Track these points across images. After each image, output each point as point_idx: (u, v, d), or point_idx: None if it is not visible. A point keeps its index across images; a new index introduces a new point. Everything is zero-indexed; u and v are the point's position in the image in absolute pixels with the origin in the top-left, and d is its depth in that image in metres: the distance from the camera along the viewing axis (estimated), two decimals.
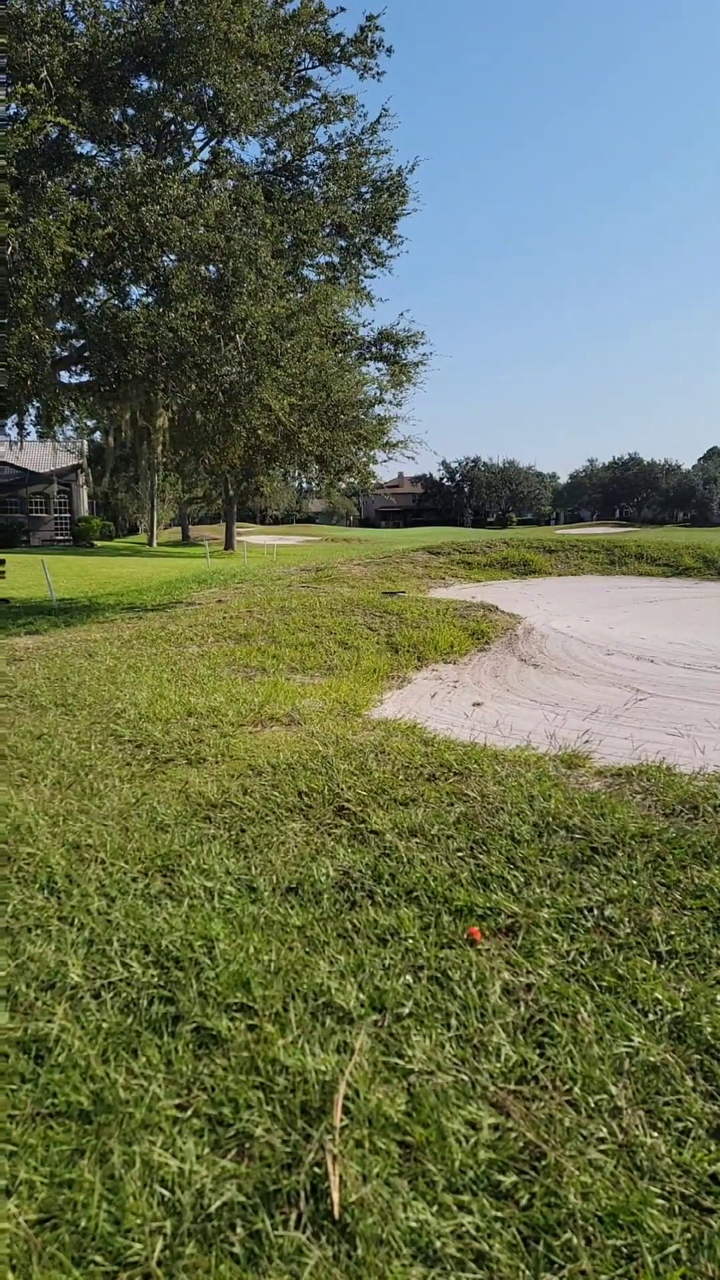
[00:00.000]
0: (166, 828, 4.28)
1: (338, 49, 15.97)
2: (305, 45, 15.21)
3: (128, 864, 3.87)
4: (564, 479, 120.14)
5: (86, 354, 14.65)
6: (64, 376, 15.52)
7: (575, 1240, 1.93)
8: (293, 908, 3.42)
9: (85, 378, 15.88)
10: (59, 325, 14.00)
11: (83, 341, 14.46)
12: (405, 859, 3.78)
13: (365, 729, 6.07)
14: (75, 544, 48.03)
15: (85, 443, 45.48)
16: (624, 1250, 1.91)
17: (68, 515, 52.15)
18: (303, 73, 16.15)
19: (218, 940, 3.15)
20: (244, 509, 66.61)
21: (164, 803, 4.63)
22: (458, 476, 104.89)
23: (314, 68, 16.25)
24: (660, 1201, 2.03)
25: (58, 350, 14.47)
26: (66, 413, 14.90)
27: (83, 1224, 1.99)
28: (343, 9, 15.68)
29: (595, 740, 5.65)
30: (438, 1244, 1.93)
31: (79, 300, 13.00)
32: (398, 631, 10.90)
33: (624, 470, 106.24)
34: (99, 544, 48.49)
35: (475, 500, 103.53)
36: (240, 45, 12.12)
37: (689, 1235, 1.94)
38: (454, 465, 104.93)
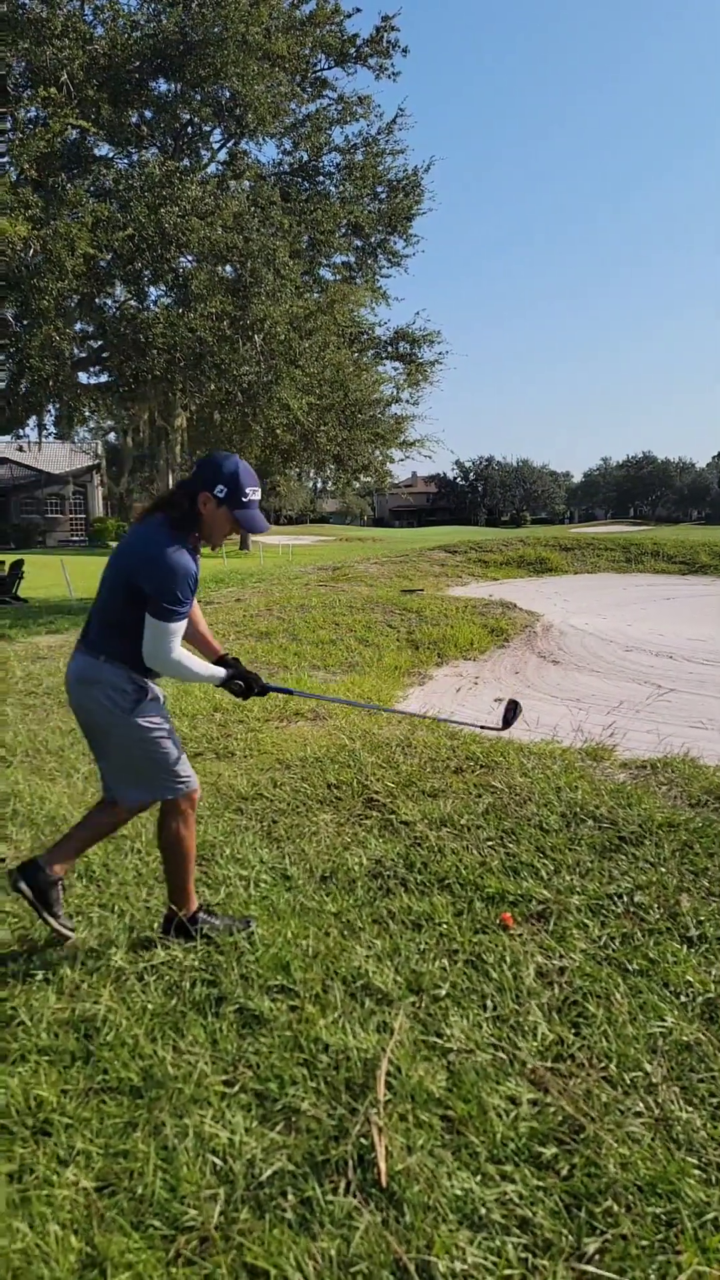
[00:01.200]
0: (200, 819, 4.36)
1: (353, 50, 16.06)
2: (321, 46, 15.30)
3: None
4: (578, 478, 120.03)
5: (105, 355, 14.80)
6: (82, 377, 15.69)
7: (616, 1207, 1.99)
8: (328, 895, 3.50)
9: (104, 378, 16.05)
10: (77, 326, 14.15)
11: (101, 342, 14.62)
12: (436, 848, 3.85)
13: (390, 724, 6.15)
14: (91, 544, 48.32)
15: (100, 444, 45.74)
16: (663, 1217, 1.97)
17: (83, 516, 52.44)
18: (319, 74, 16.25)
19: (256, 926, 3.23)
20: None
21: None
22: (471, 476, 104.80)
23: (330, 69, 16.35)
24: (697, 1172, 2.09)
25: (76, 351, 14.63)
26: (86, 413, 15.02)
27: (139, 1191, 2.07)
28: (358, 9, 15.75)
29: (619, 734, 5.70)
30: (483, 1210, 1.99)
31: (98, 301, 13.12)
32: (418, 629, 10.97)
33: (638, 469, 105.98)
34: (114, 544, 48.77)
35: (489, 500, 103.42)
36: (258, 47, 12.22)
37: None
38: (468, 465, 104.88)
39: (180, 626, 2.86)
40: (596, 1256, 1.88)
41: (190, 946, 3.12)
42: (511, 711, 3.63)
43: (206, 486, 2.85)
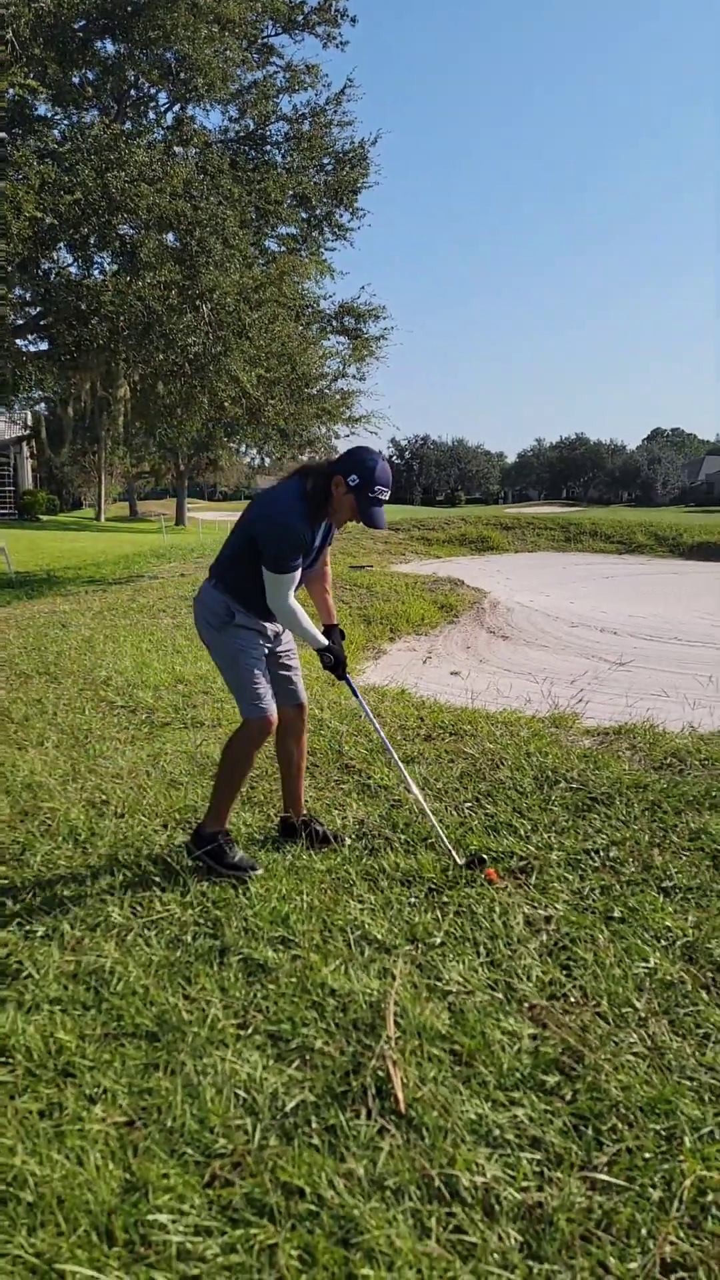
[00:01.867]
0: (179, 784, 4.43)
1: (301, 17, 15.87)
2: (270, 11, 15.07)
3: (147, 818, 4.01)
4: (512, 458, 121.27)
5: (43, 321, 14.46)
6: (20, 344, 15.29)
7: (620, 1125, 2.15)
8: (316, 854, 3.60)
9: (43, 346, 15.67)
10: (16, 291, 13.79)
11: (39, 309, 14.27)
12: (416, 810, 3.98)
13: None
14: (20, 518, 47.15)
15: (29, 414, 44.53)
16: (664, 1133, 2.13)
17: (11, 489, 51.07)
18: (266, 40, 16.02)
19: (251, 882, 3.32)
20: (192, 485, 65.97)
21: (171, 763, 4.77)
22: (407, 455, 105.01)
23: (277, 35, 16.13)
24: (691, 1094, 2.26)
25: (14, 317, 14.26)
26: (31, 383, 14.69)
27: (169, 1124, 2.15)
28: None
29: (578, 705, 5.91)
30: (496, 1131, 2.13)
31: (45, 268, 12.82)
32: (370, 605, 11.09)
33: (571, 450, 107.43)
34: (45, 518, 47.64)
35: (424, 479, 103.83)
36: (209, 10, 12.02)
37: None
38: (403, 443, 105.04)
39: (290, 578, 3.20)
40: (606, 1168, 2.03)
41: (187, 901, 3.20)
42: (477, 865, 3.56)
43: (344, 472, 3.14)
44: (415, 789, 3.74)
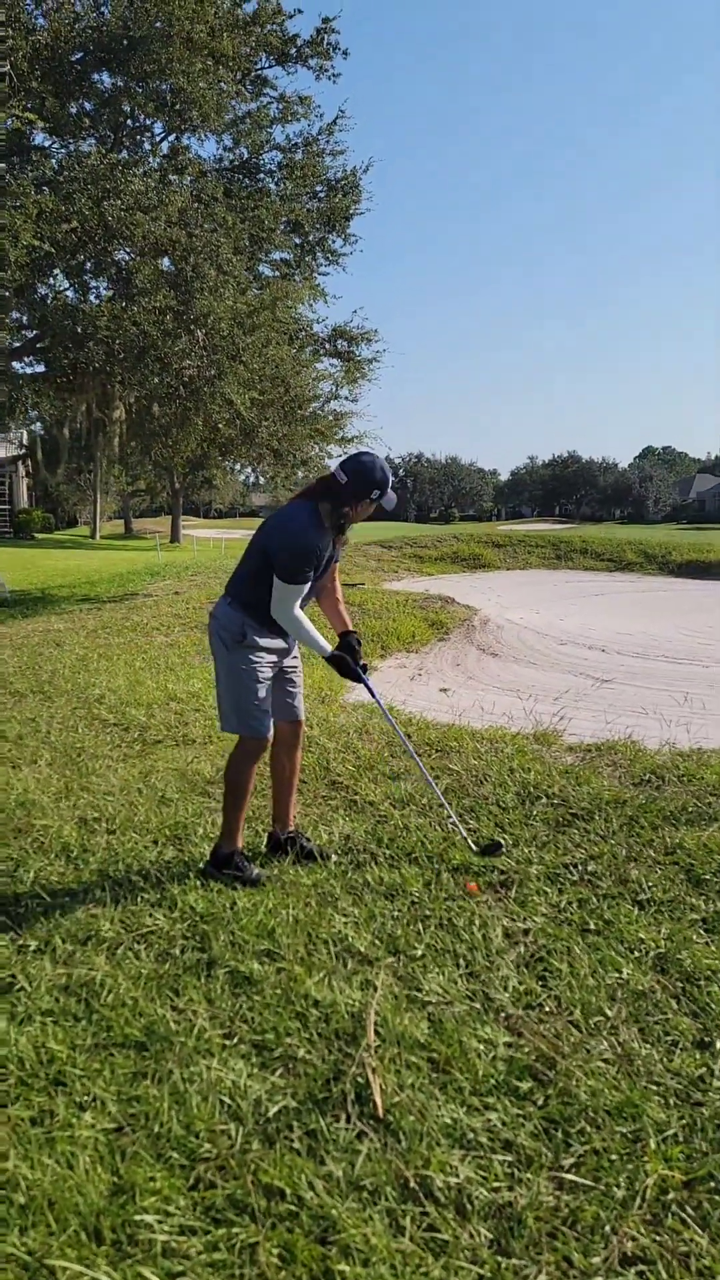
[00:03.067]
0: (170, 801, 4.52)
1: (294, 50, 16.15)
2: (263, 46, 15.35)
3: (138, 835, 4.10)
4: (505, 476, 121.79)
5: (39, 345, 14.63)
6: (16, 367, 15.46)
7: (588, 1128, 2.24)
8: (302, 869, 3.69)
9: (39, 369, 15.84)
10: (13, 315, 13.96)
11: (36, 332, 14.45)
12: (401, 825, 4.08)
13: (344, 712, 6.36)
14: (16, 536, 47.24)
15: (24, 433, 44.70)
16: (630, 1135, 2.23)
17: (7, 508, 51.17)
18: (259, 72, 16.30)
19: (238, 897, 3.42)
20: (187, 502, 66.21)
21: (162, 780, 4.86)
22: (401, 472, 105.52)
23: (270, 67, 16.42)
24: (657, 1098, 2.36)
25: (10, 341, 14.43)
26: (29, 405, 14.84)
27: (156, 1129, 2.24)
28: (300, 11, 15.87)
29: (562, 722, 6.02)
30: (470, 1135, 2.22)
31: (41, 293, 13.00)
32: (360, 622, 11.19)
33: (563, 468, 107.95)
34: (40, 536, 47.77)
35: (418, 496, 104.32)
36: (203, 45, 12.25)
37: (684, 1121, 2.27)
38: (397, 461, 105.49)
39: (298, 589, 3.37)
40: (573, 1168, 2.12)
41: (176, 916, 3.29)
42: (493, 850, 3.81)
43: (365, 490, 3.38)
44: (431, 782, 3.94)
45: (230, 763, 3.60)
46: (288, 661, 3.71)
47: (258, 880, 3.57)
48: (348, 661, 3.61)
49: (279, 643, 3.58)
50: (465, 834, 3.77)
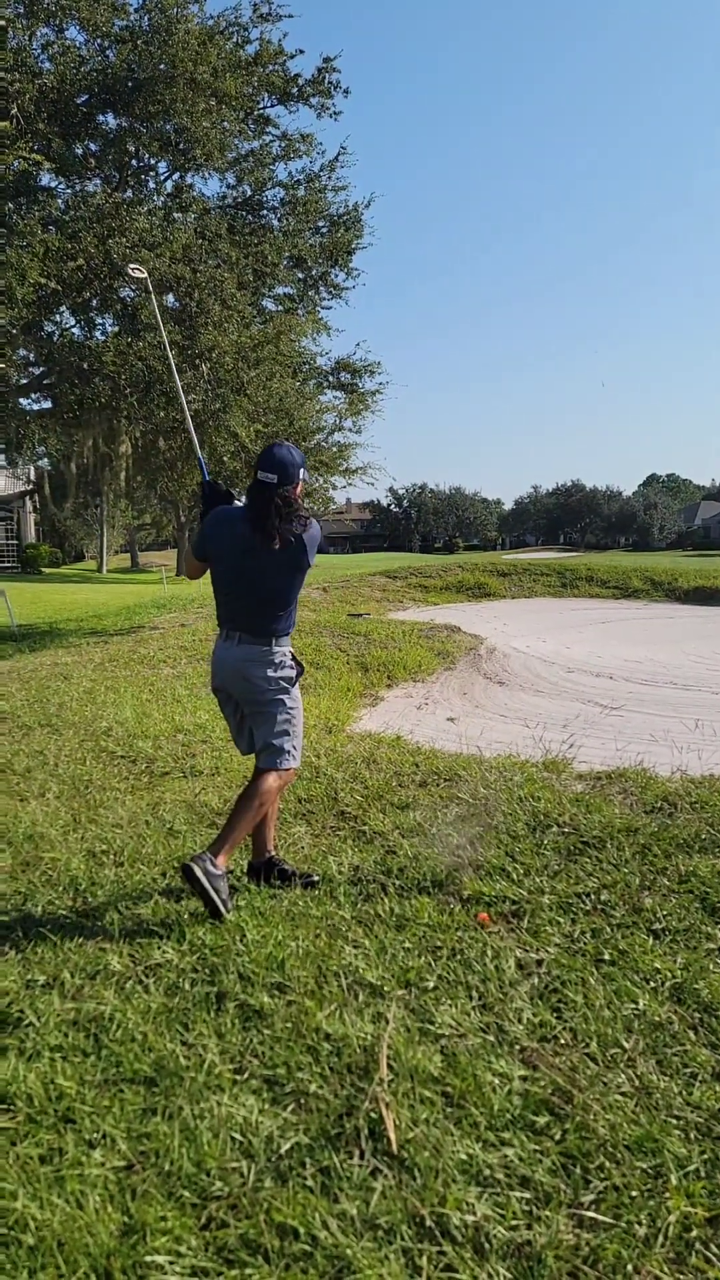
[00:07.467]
0: (178, 833, 4.49)
1: (296, 89, 16.46)
2: (265, 85, 15.65)
3: (147, 867, 4.08)
4: (509, 505, 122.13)
5: (46, 381, 14.81)
6: (24, 403, 15.65)
7: (607, 1164, 2.20)
8: (312, 900, 3.66)
9: (46, 405, 16.02)
10: (20, 353, 14.15)
11: (43, 369, 14.63)
12: (411, 855, 4.05)
13: (351, 742, 6.34)
14: (24, 571, 47.47)
15: (32, 469, 45.06)
16: (650, 1170, 2.18)
17: (14, 543, 51.48)
18: (262, 111, 16.61)
19: (247, 930, 3.38)
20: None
21: (170, 812, 4.84)
22: (405, 503, 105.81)
23: (273, 106, 16.73)
24: (678, 1132, 2.31)
25: (18, 377, 14.61)
26: (36, 441, 14.99)
27: (166, 1167, 2.20)
28: (301, 51, 16.15)
29: (573, 748, 5.98)
30: (487, 1171, 2.18)
31: (48, 329, 13.18)
32: (367, 652, 11.20)
33: (567, 496, 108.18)
34: (48, 571, 48.00)
35: (422, 526, 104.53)
36: (206, 86, 12.50)
37: (705, 1156, 2.22)
38: (401, 491, 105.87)
39: (195, 556, 3.74)
40: (593, 1205, 2.08)
41: (185, 949, 3.26)
42: None
43: (294, 477, 3.51)
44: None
45: (268, 792, 3.63)
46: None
47: (225, 905, 3.49)
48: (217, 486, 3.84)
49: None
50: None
